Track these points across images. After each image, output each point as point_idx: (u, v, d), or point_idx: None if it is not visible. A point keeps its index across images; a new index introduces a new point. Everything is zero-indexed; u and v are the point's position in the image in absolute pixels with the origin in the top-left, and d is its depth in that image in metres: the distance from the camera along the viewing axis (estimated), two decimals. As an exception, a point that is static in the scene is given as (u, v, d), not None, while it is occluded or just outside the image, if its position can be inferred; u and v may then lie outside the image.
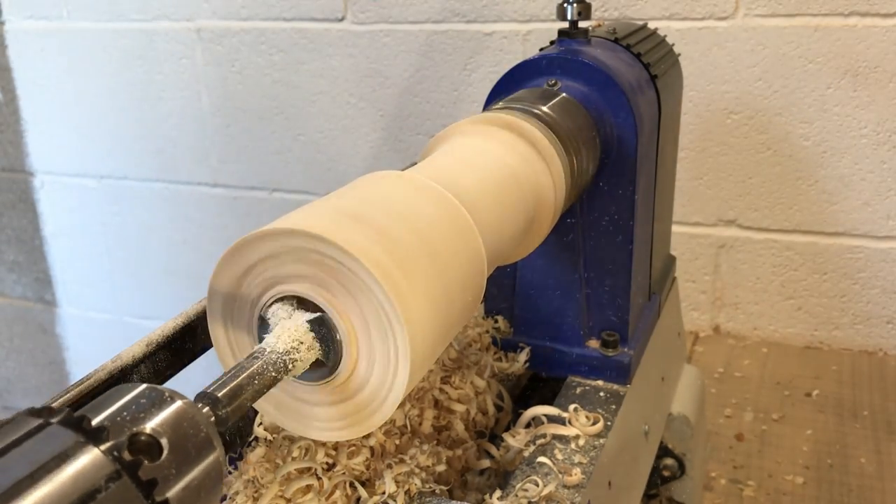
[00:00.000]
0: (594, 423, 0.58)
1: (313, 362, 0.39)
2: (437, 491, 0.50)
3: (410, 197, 0.43)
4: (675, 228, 0.89)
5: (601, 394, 0.63)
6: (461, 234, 0.43)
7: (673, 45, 0.81)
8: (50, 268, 1.83)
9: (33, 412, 0.26)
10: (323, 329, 0.38)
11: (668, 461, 0.76)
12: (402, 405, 0.55)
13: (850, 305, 1.18)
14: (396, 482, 0.49)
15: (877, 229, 1.14)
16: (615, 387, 0.64)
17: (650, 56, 0.70)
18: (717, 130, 1.17)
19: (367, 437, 0.51)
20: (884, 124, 1.10)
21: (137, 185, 1.65)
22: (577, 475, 0.52)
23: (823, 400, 1.05)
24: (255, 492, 0.48)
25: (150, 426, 0.28)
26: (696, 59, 1.15)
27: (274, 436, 0.51)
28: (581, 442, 0.56)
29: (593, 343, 0.66)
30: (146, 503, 0.26)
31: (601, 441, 0.56)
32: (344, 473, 0.49)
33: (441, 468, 0.54)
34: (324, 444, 0.49)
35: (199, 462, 0.29)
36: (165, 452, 0.28)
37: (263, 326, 0.39)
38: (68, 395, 0.38)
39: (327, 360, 0.39)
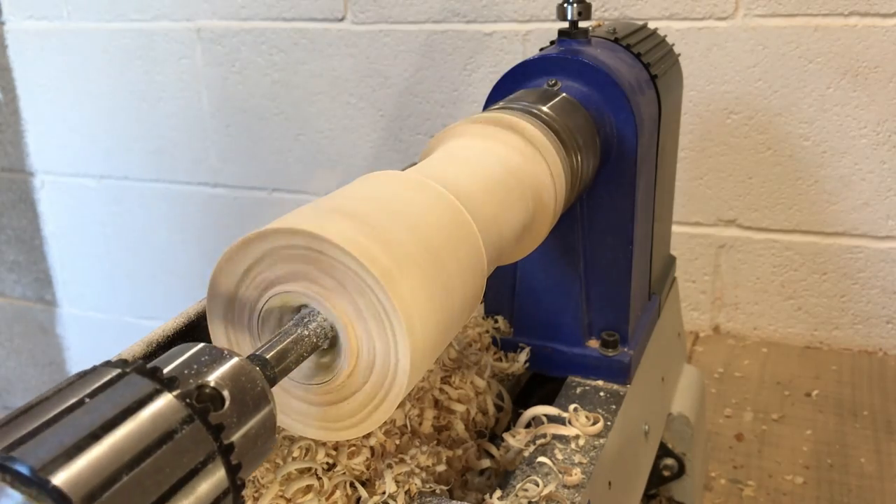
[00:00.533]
0: (594, 423, 0.58)
1: (314, 363, 0.39)
2: (438, 491, 0.50)
3: (410, 197, 0.43)
4: (675, 228, 0.89)
5: (601, 394, 0.63)
6: (461, 234, 0.43)
7: (673, 45, 0.81)
8: (50, 268, 1.83)
9: (111, 364, 0.29)
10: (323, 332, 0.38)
11: (668, 461, 0.76)
12: (402, 405, 0.55)
13: (850, 305, 1.18)
14: (396, 482, 0.49)
15: (877, 229, 1.14)
16: (615, 387, 0.64)
17: (650, 56, 0.70)
18: (717, 130, 1.17)
19: (368, 437, 0.51)
20: (884, 124, 1.10)
21: (137, 185, 1.65)
22: (577, 475, 0.52)
23: (823, 400, 1.05)
24: (256, 492, 0.48)
25: (212, 379, 0.31)
26: (696, 59, 1.15)
27: (275, 435, 0.50)
28: (581, 442, 0.56)
29: (593, 343, 0.67)
30: (215, 445, 0.28)
31: (601, 441, 0.56)
32: (344, 473, 0.49)
33: (441, 468, 0.54)
34: (324, 444, 0.49)
35: (256, 413, 0.31)
36: (228, 403, 0.30)
37: (264, 326, 0.39)
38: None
39: (328, 360, 0.39)
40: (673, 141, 0.79)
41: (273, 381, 0.34)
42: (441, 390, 0.60)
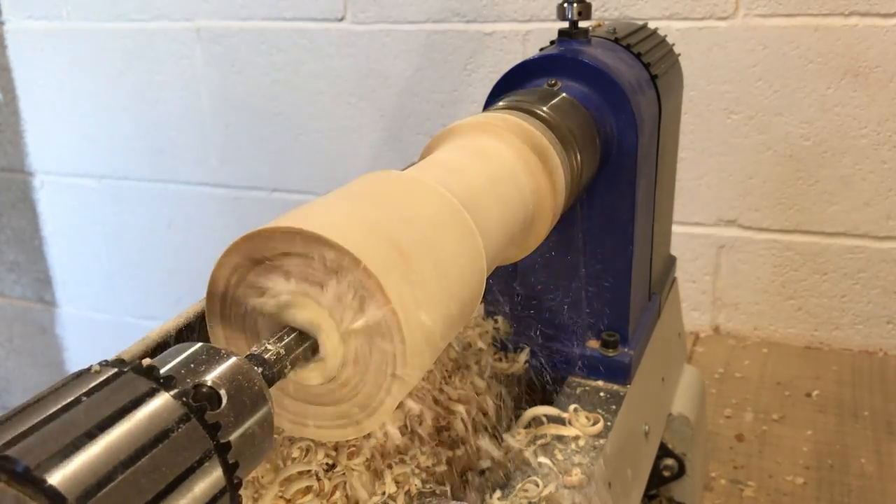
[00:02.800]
0: (594, 424, 0.58)
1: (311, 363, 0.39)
2: (437, 491, 0.50)
3: (410, 196, 0.43)
4: (675, 228, 0.89)
5: (601, 394, 0.63)
6: (461, 234, 0.43)
7: (673, 45, 0.81)
8: (50, 268, 1.83)
9: (108, 363, 0.29)
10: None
11: (669, 461, 0.76)
12: (401, 405, 0.55)
13: (851, 305, 1.18)
14: (396, 482, 0.49)
15: (877, 229, 1.14)
16: (615, 387, 0.64)
17: (650, 56, 0.70)
18: (717, 130, 1.17)
19: (367, 437, 0.51)
20: (884, 124, 1.09)
21: (137, 185, 1.65)
22: (577, 475, 0.52)
23: (823, 400, 1.05)
24: (255, 492, 0.48)
25: (210, 378, 0.31)
26: (696, 59, 1.15)
27: (274, 436, 0.50)
28: (581, 442, 0.56)
29: (593, 343, 0.66)
30: (212, 444, 0.29)
31: (601, 441, 0.56)
32: (344, 474, 0.49)
33: (441, 468, 0.54)
34: (323, 445, 0.49)
35: (254, 412, 0.32)
36: (224, 402, 0.30)
37: (260, 326, 0.39)
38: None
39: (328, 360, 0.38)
40: (673, 141, 0.79)
41: (272, 381, 0.34)
42: (441, 390, 0.60)
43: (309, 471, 0.48)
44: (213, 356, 0.32)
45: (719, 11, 1.13)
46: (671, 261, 0.84)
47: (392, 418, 0.54)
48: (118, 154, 1.64)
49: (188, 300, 0.48)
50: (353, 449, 0.50)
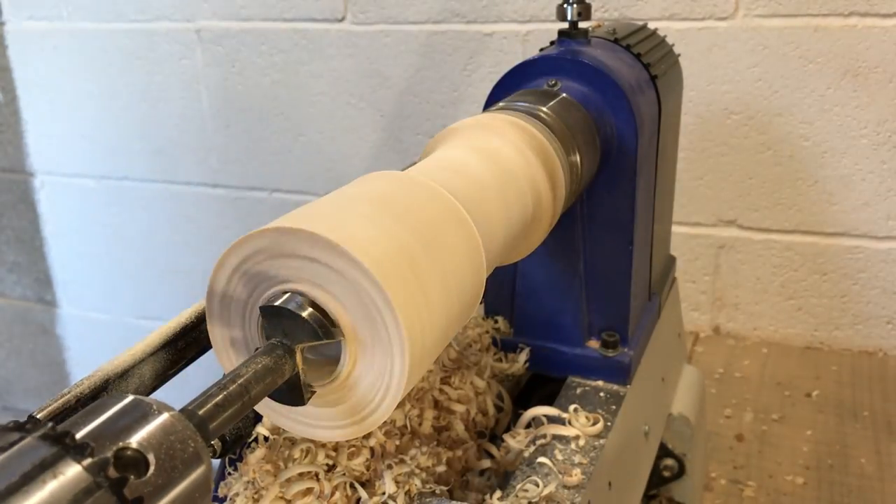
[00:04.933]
0: (594, 424, 0.58)
1: (312, 364, 0.39)
2: (438, 491, 0.50)
3: (409, 196, 0.43)
4: (675, 228, 0.89)
5: (601, 394, 0.63)
6: (460, 234, 0.43)
7: (673, 45, 0.81)
8: (50, 268, 1.83)
9: (15, 425, 0.25)
10: (322, 329, 0.38)
11: (668, 461, 0.76)
12: (401, 405, 0.55)
13: (851, 306, 1.18)
14: (396, 483, 0.49)
15: (877, 229, 1.14)
16: (615, 387, 0.64)
17: (650, 56, 0.70)
18: (717, 130, 1.17)
19: (367, 437, 0.51)
20: (884, 124, 1.09)
21: (137, 185, 1.65)
22: (577, 475, 0.52)
23: (823, 400, 1.05)
24: (256, 493, 0.48)
25: (136, 440, 0.27)
26: (696, 59, 1.15)
27: (275, 437, 0.50)
28: (581, 442, 0.56)
29: (593, 343, 0.66)
30: None
31: (601, 441, 0.56)
32: (344, 474, 0.49)
33: (441, 469, 0.54)
34: (324, 446, 0.49)
35: (186, 477, 0.28)
36: (152, 468, 0.27)
37: (264, 325, 0.39)
38: (64, 398, 0.38)
39: (326, 361, 0.38)
40: (673, 141, 0.79)
41: (212, 436, 0.31)
42: (441, 391, 0.60)
43: (310, 472, 0.48)
44: (143, 412, 0.28)
45: (719, 12, 1.13)
46: (671, 261, 0.84)
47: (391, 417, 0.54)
48: (118, 154, 1.64)
49: (188, 301, 0.48)
50: (353, 450, 0.50)
